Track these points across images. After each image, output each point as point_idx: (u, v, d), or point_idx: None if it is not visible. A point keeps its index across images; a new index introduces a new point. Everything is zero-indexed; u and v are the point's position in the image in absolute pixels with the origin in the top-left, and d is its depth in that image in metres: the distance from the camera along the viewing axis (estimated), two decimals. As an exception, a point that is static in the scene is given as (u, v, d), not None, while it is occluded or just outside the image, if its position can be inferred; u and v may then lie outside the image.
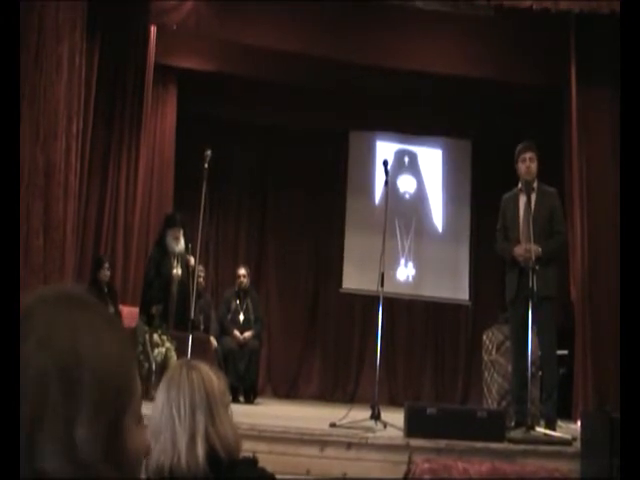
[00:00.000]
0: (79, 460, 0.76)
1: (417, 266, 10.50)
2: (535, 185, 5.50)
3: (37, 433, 0.76)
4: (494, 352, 6.59)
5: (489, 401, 6.59)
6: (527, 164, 5.48)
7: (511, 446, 4.64)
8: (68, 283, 6.09)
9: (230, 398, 2.02)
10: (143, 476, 1.77)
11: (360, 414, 5.21)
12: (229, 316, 8.10)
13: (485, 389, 6.75)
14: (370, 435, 4.67)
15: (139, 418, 0.85)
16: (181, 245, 7.18)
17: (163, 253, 7.19)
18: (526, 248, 5.26)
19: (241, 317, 8.10)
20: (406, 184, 10.70)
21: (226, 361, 7.69)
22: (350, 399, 9.26)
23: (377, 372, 5.51)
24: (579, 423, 5.29)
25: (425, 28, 8.08)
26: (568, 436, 4.88)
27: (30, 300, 0.84)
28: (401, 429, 4.87)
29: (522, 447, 4.62)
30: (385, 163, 5.91)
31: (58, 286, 0.86)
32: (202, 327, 7.89)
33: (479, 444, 4.57)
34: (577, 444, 4.64)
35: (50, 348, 0.78)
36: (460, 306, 10.49)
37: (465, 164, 10.81)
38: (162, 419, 1.82)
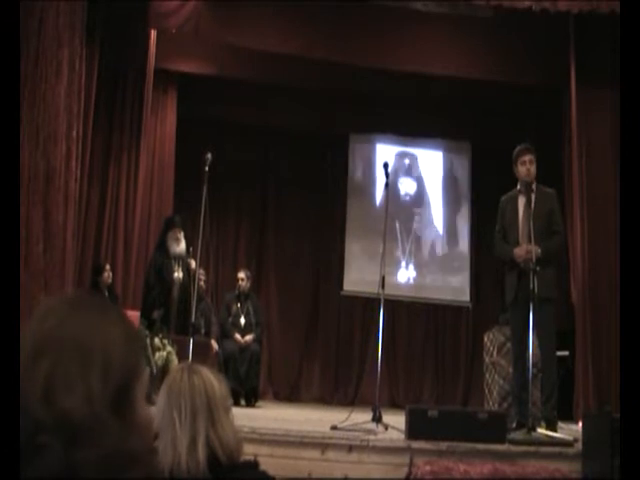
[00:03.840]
0: (94, 405, 0.90)
1: (417, 268, 10.50)
2: (534, 186, 5.50)
3: (53, 385, 0.90)
4: (495, 354, 6.60)
5: (490, 403, 6.59)
6: (527, 167, 5.48)
7: (512, 447, 4.64)
8: (72, 289, 6.11)
9: (231, 402, 2.02)
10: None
11: (361, 417, 5.21)
12: (230, 319, 8.10)
13: (486, 391, 6.76)
14: (371, 437, 4.67)
15: (147, 398, 1.00)
16: (182, 246, 7.19)
17: (164, 257, 7.21)
18: (527, 249, 5.26)
19: (242, 321, 8.10)
20: (406, 186, 10.71)
21: (227, 365, 7.69)
22: (351, 402, 9.26)
23: (378, 374, 5.50)
24: (580, 424, 5.29)
25: (424, 30, 8.09)
26: (569, 437, 4.88)
27: (52, 300, 1.01)
28: (402, 431, 4.87)
29: (523, 448, 4.62)
30: (385, 165, 5.91)
31: (78, 291, 1.02)
32: (203, 331, 7.89)
33: (480, 446, 4.56)
34: (578, 445, 4.64)
35: (68, 326, 0.95)
36: (461, 308, 10.49)
37: (465, 166, 10.82)
38: (163, 422, 1.83)
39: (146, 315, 6.88)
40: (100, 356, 0.93)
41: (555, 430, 5.12)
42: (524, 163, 5.50)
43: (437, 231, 10.69)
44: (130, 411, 0.94)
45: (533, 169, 5.50)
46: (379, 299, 5.62)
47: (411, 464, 4.35)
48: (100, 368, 0.93)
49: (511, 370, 5.75)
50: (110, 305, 1.04)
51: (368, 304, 9.54)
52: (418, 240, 10.57)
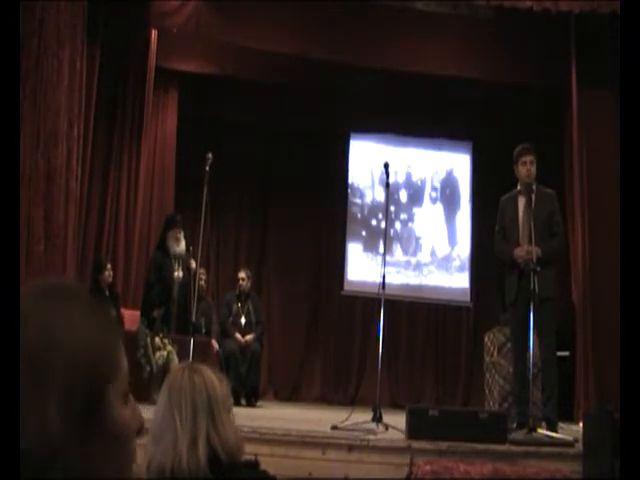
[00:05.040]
0: (52, 438, 0.80)
1: (418, 268, 10.50)
2: (534, 187, 5.49)
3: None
4: (495, 354, 6.60)
5: (490, 403, 6.59)
6: (528, 167, 5.48)
7: (513, 448, 4.64)
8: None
9: (232, 401, 2.02)
10: (145, 477, 1.78)
11: (362, 416, 5.21)
12: (230, 319, 8.10)
13: (486, 391, 6.75)
14: (372, 437, 4.67)
15: (125, 396, 0.90)
16: (182, 246, 7.20)
17: (164, 256, 7.21)
18: (527, 250, 5.26)
19: (242, 320, 8.10)
20: (407, 186, 10.70)
21: (228, 364, 7.68)
22: (351, 401, 9.26)
23: (379, 374, 5.51)
24: (581, 424, 5.29)
25: (425, 29, 8.08)
26: (570, 437, 4.88)
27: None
28: (403, 431, 4.87)
29: (524, 449, 4.62)
30: (386, 165, 5.91)
31: (42, 280, 0.90)
32: (203, 330, 7.90)
33: (481, 446, 4.56)
34: (579, 445, 4.64)
35: (22, 337, 0.82)
36: (461, 308, 10.49)
37: (465, 165, 10.82)
38: (163, 422, 1.82)
39: (146, 314, 6.89)
40: (63, 367, 0.82)
41: (555, 430, 5.12)
42: (524, 164, 5.49)
43: (437, 231, 10.68)
44: (103, 418, 0.85)
45: (533, 169, 5.49)
46: (380, 299, 5.62)
47: (411, 464, 4.35)
48: (61, 384, 0.82)
49: (511, 370, 5.75)
50: (77, 292, 0.91)
51: (368, 304, 9.53)
52: (418, 240, 10.57)
